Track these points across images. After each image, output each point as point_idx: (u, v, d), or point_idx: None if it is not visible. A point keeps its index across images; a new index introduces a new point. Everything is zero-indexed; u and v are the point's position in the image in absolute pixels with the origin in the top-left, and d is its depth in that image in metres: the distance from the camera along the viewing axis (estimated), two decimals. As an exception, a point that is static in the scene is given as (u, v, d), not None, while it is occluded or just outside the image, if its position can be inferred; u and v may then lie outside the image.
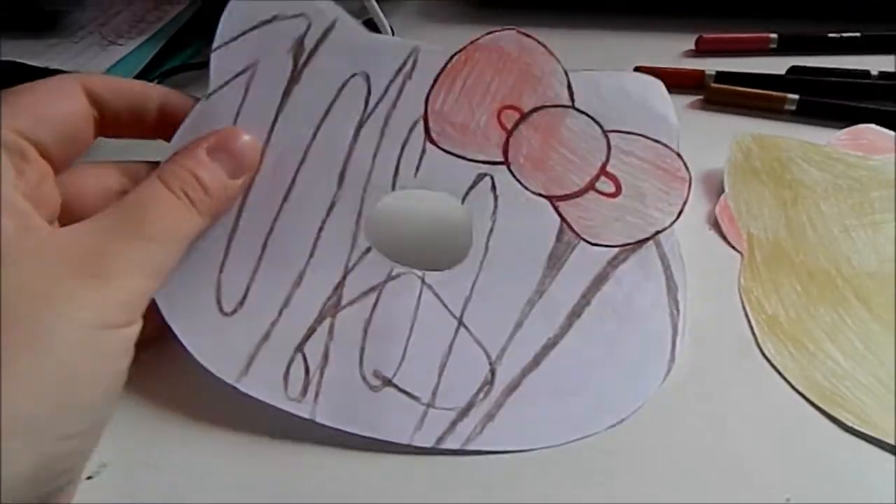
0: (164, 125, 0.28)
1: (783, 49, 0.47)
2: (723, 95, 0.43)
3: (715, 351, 0.29)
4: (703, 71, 0.44)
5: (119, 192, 0.27)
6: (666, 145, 0.29)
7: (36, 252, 0.21)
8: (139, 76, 0.42)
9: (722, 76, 0.44)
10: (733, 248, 0.33)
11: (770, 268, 0.32)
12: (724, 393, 0.27)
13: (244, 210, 0.27)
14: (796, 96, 0.41)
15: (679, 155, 0.29)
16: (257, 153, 0.27)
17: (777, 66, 0.45)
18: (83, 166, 0.27)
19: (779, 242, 0.33)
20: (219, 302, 0.26)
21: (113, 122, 0.27)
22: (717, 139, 0.38)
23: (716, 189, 0.36)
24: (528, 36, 0.29)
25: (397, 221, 0.30)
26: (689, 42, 0.48)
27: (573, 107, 0.29)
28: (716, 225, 0.34)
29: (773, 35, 0.47)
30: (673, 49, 0.48)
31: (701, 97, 0.43)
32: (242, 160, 0.27)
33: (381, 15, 0.38)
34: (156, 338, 0.26)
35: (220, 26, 0.28)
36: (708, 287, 0.31)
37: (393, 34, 0.39)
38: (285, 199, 0.27)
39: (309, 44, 0.28)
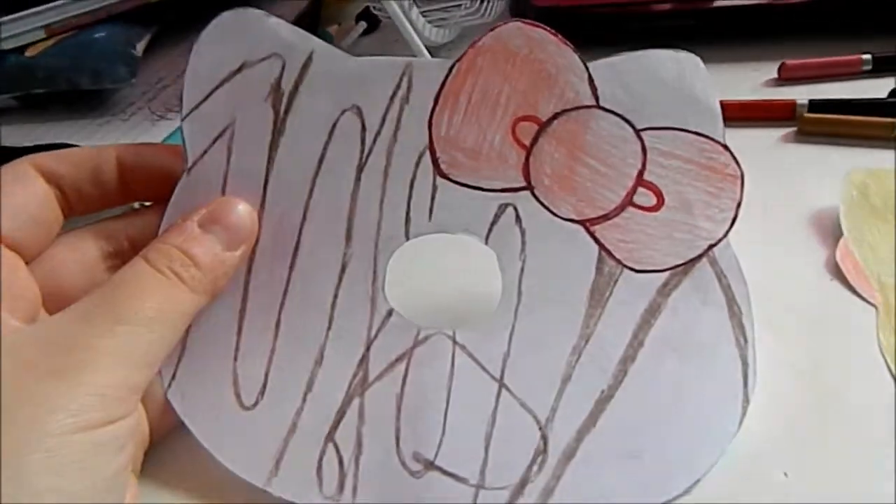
0: (131, 184, 0.26)
1: (878, 70, 0.43)
2: (819, 125, 0.39)
3: (858, 423, 0.24)
4: (794, 101, 0.40)
5: (102, 259, 0.25)
6: (709, 137, 0.24)
7: (3, 356, 0.19)
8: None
9: (816, 105, 0.40)
10: (863, 299, 0.29)
11: (911, 319, 0.28)
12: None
13: (250, 287, 0.25)
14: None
15: (726, 147, 0.24)
16: (255, 221, 0.25)
17: (873, 89, 0.41)
18: (58, 241, 0.25)
19: (918, 288, 0.29)
20: (238, 395, 0.24)
21: (77, 196, 0.25)
22: (818, 174, 0.34)
23: (829, 231, 0.32)
24: (537, 26, 0.25)
25: (416, 276, 0.26)
26: (768, 70, 0.44)
27: (598, 105, 0.25)
28: (838, 273, 0.30)
29: (866, 56, 0.43)
30: (752, 79, 0.44)
31: (793, 129, 0.39)
32: (239, 231, 0.24)
33: (410, 29, 0.34)
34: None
35: (185, 89, 0.25)
36: (839, 348, 0.27)
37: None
38: (291, 266, 0.25)
39: (287, 86, 0.25)
